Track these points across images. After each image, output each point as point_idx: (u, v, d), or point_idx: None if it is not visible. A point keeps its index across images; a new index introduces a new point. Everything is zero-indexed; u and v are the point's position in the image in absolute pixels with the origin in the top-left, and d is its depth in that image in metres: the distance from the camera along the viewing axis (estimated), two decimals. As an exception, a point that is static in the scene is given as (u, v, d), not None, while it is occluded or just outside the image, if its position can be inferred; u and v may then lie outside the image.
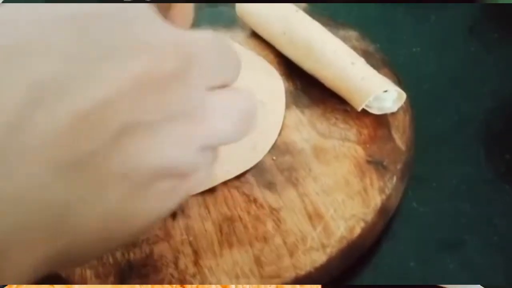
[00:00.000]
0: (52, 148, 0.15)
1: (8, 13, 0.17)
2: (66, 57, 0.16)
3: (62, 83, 0.16)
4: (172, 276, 0.28)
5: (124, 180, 0.17)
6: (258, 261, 0.28)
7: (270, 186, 0.31)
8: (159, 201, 0.19)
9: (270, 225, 0.29)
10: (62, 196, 0.16)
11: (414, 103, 0.34)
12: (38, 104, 0.15)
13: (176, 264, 0.28)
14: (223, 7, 0.44)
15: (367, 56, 0.35)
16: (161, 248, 0.29)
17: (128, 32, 0.17)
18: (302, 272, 0.27)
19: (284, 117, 0.34)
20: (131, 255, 0.28)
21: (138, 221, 0.18)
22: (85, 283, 0.28)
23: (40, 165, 0.15)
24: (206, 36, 0.20)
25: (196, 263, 0.28)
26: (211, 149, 0.21)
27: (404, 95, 0.32)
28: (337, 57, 0.33)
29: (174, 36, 0.19)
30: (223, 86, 0.20)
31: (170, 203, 0.19)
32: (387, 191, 0.30)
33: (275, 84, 0.35)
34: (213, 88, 0.20)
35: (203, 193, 0.31)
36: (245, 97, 0.21)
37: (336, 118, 0.34)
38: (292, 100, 0.35)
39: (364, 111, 0.33)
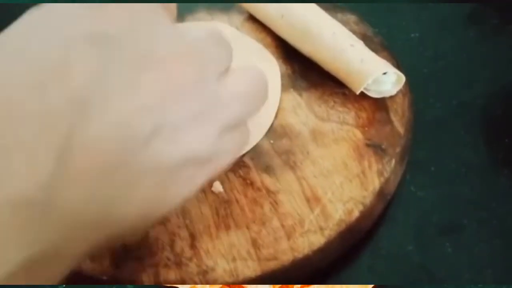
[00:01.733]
0: (99, 156, 0.18)
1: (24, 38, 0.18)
2: (98, 75, 0.18)
3: (99, 98, 0.17)
4: (168, 259, 0.27)
5: (155, 172, 0.19)
6: (255, 244, 0.27)
7: (267, 169, 0.30)
8: (184, 186, 0.21)
9: (267, 208, 0.29)
10: (107, 193, 0.18)
11: (413, 88, 0.34)
12: (82, 117, 0.17)
13: (172, 247, 0.28)
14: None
15: (366, 40, 0.35)
16: (157, 231, 0.28)
17: (147, 47, 0.19)
18: (299, 255, 0.27)
19: (282, 101, 0.34)
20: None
21: (168, 203, 0.21)
22: (79, 266, 0.27)
23: (92, 172, 0.18)
24: (204, 32, 0.22)
25: (192, 246, 0.27)
26: (232, 130, 0.22)
27: (403, 78, 0.32)
28: (335, 39, 0.33)
29: (184, 40, 0.20)
30: (226, 71, 0.22)
31: (194, 187, 0.22)
32: (386, 174, 0.29)
33: (270, 68, 0.35)
34: (220, 75, 0.21)
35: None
36: (251, 75, 0.23)
37: (335, 102, 0.33)
38: (290, 83, 0.35)
39: (362, 95, 0.32)
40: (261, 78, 0.24)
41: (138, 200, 0.19)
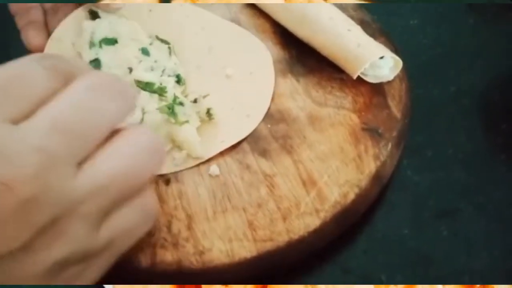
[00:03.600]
0: None
1: None
2: None
3: None
4: (165, 239, 0.27)
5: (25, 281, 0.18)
6: (251, 225, 0.27)
7: (264, 153, 0.31)
8: (73, 281, 0.20)
9: (264, 191, 0.29)
10: None
11: (411, 74, 0.34)
12: None
13: (169, 228, 0.28)
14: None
15: (364, 26, 0.35)
16: (154, 213, 0.28)
17: None
18: (295, 236, 0.27)
19: (280, 86, 0.34)
20: (124, 219, 0.28)
21: None
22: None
23: None
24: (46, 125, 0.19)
25: (189, 227, 0.28)
26: (118, 212, 0.20)
27: (400, 63, 0.32)
28: (333, 24, 0.33)
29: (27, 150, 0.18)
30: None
31: (89, 279, 0.21)
32: (382, 158, 0.30)
33: (262, 55, 0.35)
34: (79, 163, 0.19)
35: (196, 160, 0.30)
36: (125, 149, 0.20)
37: (332, 87, 0.33)
38: (288, 68, 0.35)
39: (360, 80, 0.33)
40: (145, 141, 0.21)
41: None
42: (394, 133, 0.31)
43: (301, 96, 0.33)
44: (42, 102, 0.19)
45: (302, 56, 0.35)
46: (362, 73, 0.32)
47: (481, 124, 0.34)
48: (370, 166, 0.29)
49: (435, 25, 0.41)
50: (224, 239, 0.27)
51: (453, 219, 0.30)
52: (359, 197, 0.29)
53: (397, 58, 0.32)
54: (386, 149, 0.30)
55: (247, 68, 0.34)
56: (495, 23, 0.41)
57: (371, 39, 0.33)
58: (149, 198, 0.22)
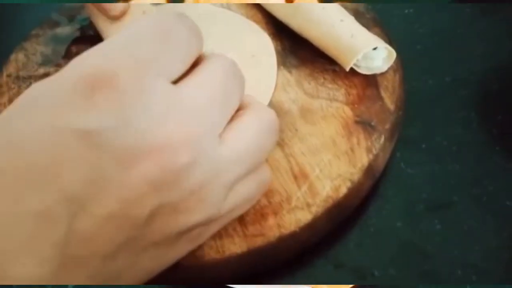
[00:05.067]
0: (99, 245, 0.19)
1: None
2: (89, 171, 0.18)
3: (94, 192, 0.18)
4: (155, 235, 0.27)
5: (157, 245, 0.20)
6: (242, 221, 0.27)
7: (256, 147, 0.30)
8: (189, 244, 0.22)
9: (254, 185, 0.28)
10: (110, 274, 0.19)
11: (406, 64, 0.34)
12: (79, 212, 0.18)
13: (159, 224, 0.28)
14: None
15: (358, 16, 0.34)
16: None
17: (137, 135, 0.19)
18: (286, 232, 0.27)
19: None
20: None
21: (171, 261, 0.22)
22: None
23: (93, 261, 0.19)
24: (202, 89, 0.21)
25: (179, 223, 0.27)
26: (243, 181, 0.23)
27: (394, 54, 0.32)
28: (325, 14, 0.32)
29: (178, 106, 0.20)
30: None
31: (201, 241, 0.23)
32: (375, 151, 0.29)
33: (264, 42, 0.34)
34: (221, 133, 0.21)
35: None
36: (256, 122, 0.23)
37: (324, 78, 0.33)
38: (280, 60, 0.34)
39: (353, 71, 0.32)
40: (268, 118, 0.23)
41: (141, 271, 0.21)
42: (387, 126, 0.30)
43: (294, 88, 0.33)
44: (188, 65, 0.21)
45: (295, 48, 0.35)
46: (355, 65, 0.32)
47: (476, 115, 0.34)
48: (363, 160, 0.29)
49: (431, 14, 0.40)
50: (215, 236, 0.27)
51: (448, 212, 0.30)
52: (352, 191, 0.28)
53: (390, 49, 0.31)
54: (379, 142, 0.29)
55: (248, 51, 0.34)
56: (492, 12, 0.40)
57: (364, 30, 0.32)
58: (266, 170, 0.25)
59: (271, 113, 0.24)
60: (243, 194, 0.23)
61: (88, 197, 0.18)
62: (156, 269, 0.22)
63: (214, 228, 0.23)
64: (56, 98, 0.19)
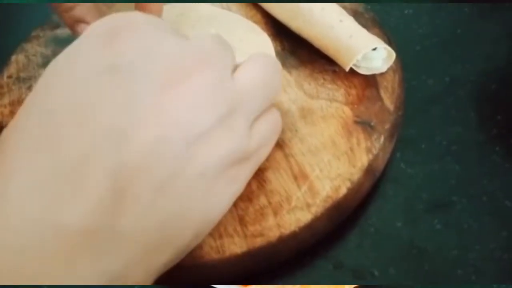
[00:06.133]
0: (146, 174, 0.19)
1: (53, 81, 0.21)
2: (123, 104, 0.20)
3: (132, 123, 0.19)
4: (155, 236, 0.27)
5: (201, 180, 0.21)
6: (242, 221, 0.27)
7: (255, 147, 0.30)
8: (230, 186, 0.23)
9: (254, 185, 0.28)
10: (162, 213, 0.20)
11: (405, 65, 0.34)
12: (122, 143, 0.19)
13: (159, 224, 0.28)
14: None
15: (357, 16, 0.34)
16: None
17: (161, 66, 0.21)
18: (286, 232, 0.27)
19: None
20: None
21: (218, 209, 0.23)
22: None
23: (144, 193, 0.19)
24: (207, 37, 0.23)
25: (179, 223, 0.27)
26: (261, 119, 0.25)
27: (393, 54, 0.32)
28: (324, 14, 0.32)
29: (194, 48, 0.22)
30: (235, 68, 0.24)
31: (240, 185, 0.24)
32: (374, 151, 0.29)
33: (264, 41, 0.35)
34: (232, 72, 0.24)
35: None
36: (259, 62, 0.25)
37: (324, 79, 0.33)
38: (280, 61, 0.33)
39: (352, 72, 0.32)
40: (270, 61, 0.25)
41: (191, 215, 0.21)
42: (387, 126, 0.30)
43: (293, 89, 0.33)
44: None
45: (295, 48, 0.35)
46: (354, 65, 0.32)
47: (476, 115, 0.34)
48: (362, 160, 0.29)
49: (430, 14, 0.40)
50: (215, 236, 0.27)
51: (447, 211, 0.30)
52: (351, 191, 0.28)
53: (390, 49, 0.31)
54: (378, 142, 0.29)
55: (248, 52, 0.34)
56: (491, 13, 0.40)
57: (364, 30, 0.32)
58: (275, 111, 0.26)
59: (272, 57, 0.26)
60: (263, 132, 0.25)
61: (129, 127, 0.19)
62: (203, 223, 0.22)
63: (246, 169, 0.24)
64: (89, 53, 0.21)
